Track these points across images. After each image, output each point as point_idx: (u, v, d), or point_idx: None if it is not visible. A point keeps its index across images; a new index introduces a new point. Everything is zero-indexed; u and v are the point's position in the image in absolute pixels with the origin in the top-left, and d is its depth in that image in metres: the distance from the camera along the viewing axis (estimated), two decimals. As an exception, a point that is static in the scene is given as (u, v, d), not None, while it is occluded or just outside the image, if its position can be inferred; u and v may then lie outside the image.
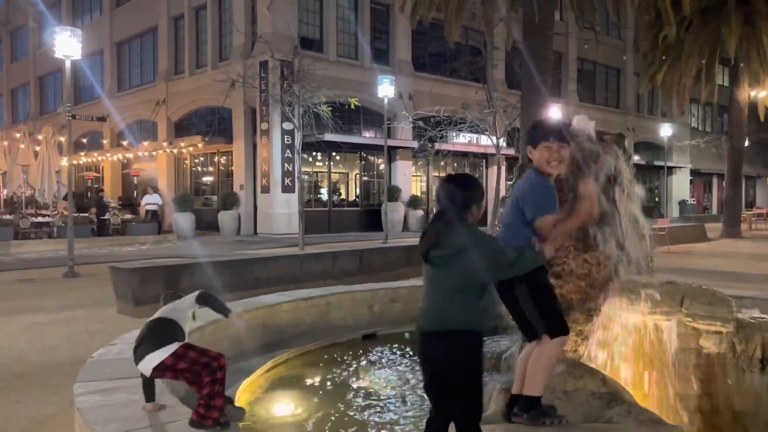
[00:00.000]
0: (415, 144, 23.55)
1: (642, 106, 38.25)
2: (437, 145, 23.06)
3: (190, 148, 23.10)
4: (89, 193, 28.62)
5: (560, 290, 4.44)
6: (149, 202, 20.89)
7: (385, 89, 17.59)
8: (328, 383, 5.41)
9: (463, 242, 2.65)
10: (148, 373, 3.34)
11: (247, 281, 9.23)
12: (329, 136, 19.82)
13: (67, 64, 11.78)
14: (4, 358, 5.71)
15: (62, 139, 19.29)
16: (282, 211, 20.34)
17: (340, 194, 24.61)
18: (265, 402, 4.95)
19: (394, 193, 22.33)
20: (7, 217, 18.39)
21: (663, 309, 4.04)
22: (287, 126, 19.68)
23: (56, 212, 19.16)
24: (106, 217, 19.48)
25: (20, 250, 16.45)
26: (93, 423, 3.05)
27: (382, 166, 23.28)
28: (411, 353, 6.14)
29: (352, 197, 24.86)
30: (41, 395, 4.58)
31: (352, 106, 16.73)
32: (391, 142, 23.02)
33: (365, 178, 24.92)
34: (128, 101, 29.00)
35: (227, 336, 5.94)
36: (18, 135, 20.19)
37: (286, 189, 20.28)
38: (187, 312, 3.65)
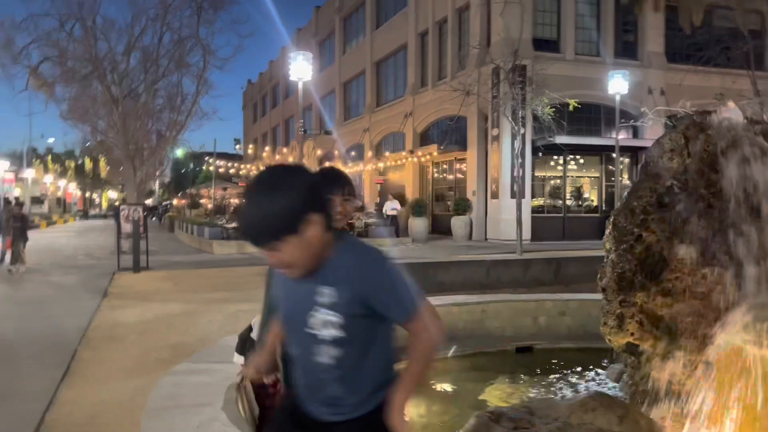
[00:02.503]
0: (665, 144, 21.20)
1: None
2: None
3: (428, 156, 24.18)
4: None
5: (669, 310, 3.78)
6: (390, 207, 22.44)
7: (617, 85, 16.26)
8: (451, 391, 5.31)
9: None
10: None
11: (429, 285, 9.42)
12: (561, 139, 19.01)
13: (300, 85, 13.33)
14: (191, 337, 6.76)
15: (319, 152, 21.73)
16: (510, 217, 20.01)
17: (580, 199, 23.34)
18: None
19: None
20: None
21: (791, 342, 3.14)
22: (519, 130, 19.40)
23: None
24: (352, 221, 21.50)
25: (280, 249, 19.02)
26: (151, 399, 3.53)
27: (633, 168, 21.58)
28: (564, 371, 5.71)
29: (591, 203, 23.38)
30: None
31: (571, 108, 15.79)
32: (634, 143, 21.20)
33: (610, 182, 23.21)
34: (384, 115, 31.50)
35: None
36: (285, 150, 23.39)
37: (515, 194, 19.97)
38: None
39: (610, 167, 23.25)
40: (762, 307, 3.42)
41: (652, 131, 22.04)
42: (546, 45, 21.11)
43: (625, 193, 4.25)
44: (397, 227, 21.55)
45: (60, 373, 5.40)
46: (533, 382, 5.47)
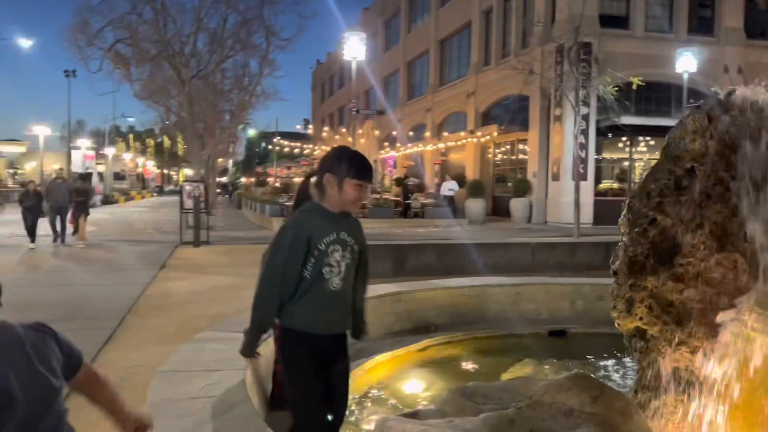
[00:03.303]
0: (741, 125, 20.09)
1: None
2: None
3: (488, 137, 23.85)
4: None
5: (679, 295, 3.68)
6: (448, 188, 22.36)
7: (686, 63, 15.50)
8: (472, 370, 5.36)
9: None
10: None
11: (470, 265, 9.43)
12: (627, 120, 18.35)
13: (353, 65, 13.43)
14: (231, 309, 7.05)
15: (377, 132, 21.80)
16: (571, 200, 19.58)
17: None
18: (393, 375, 5.18)
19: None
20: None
21: (796, 332, 3.00)
22: (582, 110, 18.87)
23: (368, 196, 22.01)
24: (409, 201, 21.58)
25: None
26: (167, 363, 3.77)
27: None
28: (593, 356, 5.66)
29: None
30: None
31: (634, 86, 15.15)
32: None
33: (680, 166, 22.20)
34: (446, 94, 31.23)
35: (392, 311, 6.32)
36: (344, 130, 23.64)
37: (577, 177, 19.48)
38: None
39: (681, 149, 22.30)
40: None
41: (727, 112, 20.93)
42: (614, 21, 20.31)
43: (644, 175, 4.14)
44: (454, 208, 21.43)
45: (105, 336, 5.80)
46: (558, 365, 5.43)
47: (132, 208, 36.10)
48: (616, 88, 15.11)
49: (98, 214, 26.87)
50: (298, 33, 31.45)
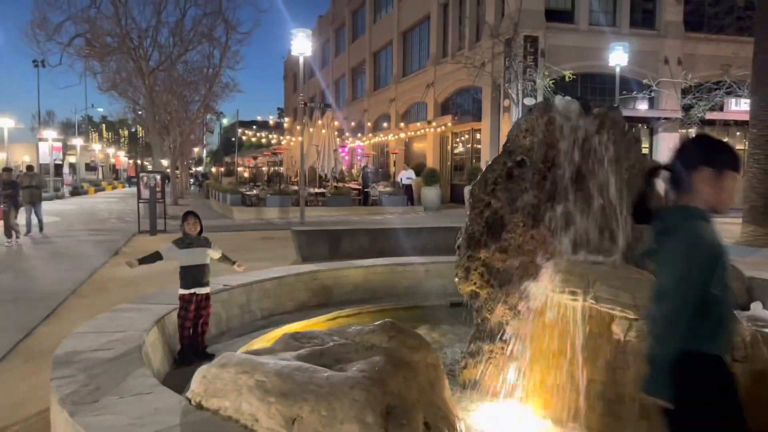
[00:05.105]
0: (680, 114, 21.20)
1: None
2: (708, 115, 20.43)
3: (443, 127, 24.66)
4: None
5: (503, 264, 4.51)
6: (405, 176, 23.14)
7: (617, 57, 16.40)
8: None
9: (659, 230, 2.12)
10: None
11: (401, 248, 10.21)
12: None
13: (301, 60, 14.06)
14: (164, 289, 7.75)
15: (336, 123, 22.41)
16: (518, 187, 20.55)
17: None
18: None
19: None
20: (294, 187, 22.50)
21: (570, 289, 3.83)
22: (529, 101, 19.73)
23: (329, 185, 22.72)
24: (368, 189, 22.34)
25: (295, 215, 20.00)
26: (82, 327, 4.48)
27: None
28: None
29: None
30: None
31: (567, 79, 16.03)
32: (650, 113, 21.23)
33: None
34: (409, 85, 31.97)
35: (308, 288, 7.07)
36: (306, 120, 24.21)
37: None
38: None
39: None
40: (565, 263, 4.12)
41: (668, 101, 22.02)
42: (560, 15, 21.17)
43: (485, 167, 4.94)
44: (411, 196, 22.23)
45: (45, 314, 6.48)
46: (450, 330, 6.26)
47: (100, 198, 36.32)
48: (553, 81, 15.96)
49: (66, 205, 27.24)
50: (255, 27, 31.91)
